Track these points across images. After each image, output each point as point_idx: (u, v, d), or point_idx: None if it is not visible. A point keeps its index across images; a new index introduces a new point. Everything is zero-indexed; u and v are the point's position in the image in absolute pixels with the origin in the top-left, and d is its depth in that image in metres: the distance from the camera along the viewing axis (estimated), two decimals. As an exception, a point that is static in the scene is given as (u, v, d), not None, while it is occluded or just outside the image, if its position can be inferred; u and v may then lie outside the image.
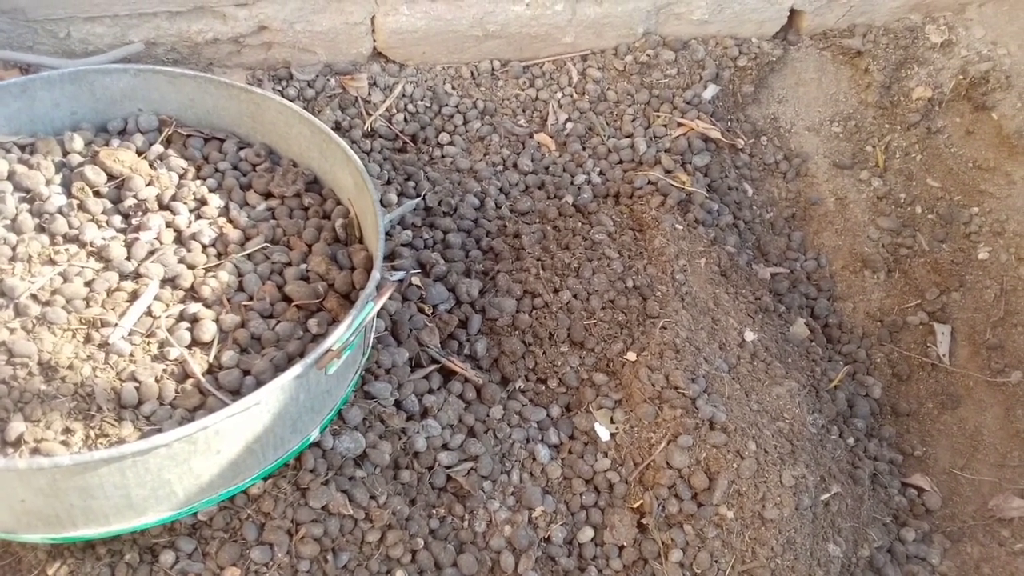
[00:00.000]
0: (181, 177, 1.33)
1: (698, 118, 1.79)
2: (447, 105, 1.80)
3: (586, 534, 1.31)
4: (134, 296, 1.14)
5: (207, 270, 1.21)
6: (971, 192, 1.89)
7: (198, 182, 1.32)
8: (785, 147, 1.92)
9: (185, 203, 1.28)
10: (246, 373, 1.09)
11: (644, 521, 1.32)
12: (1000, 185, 1.87)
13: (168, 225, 1.25)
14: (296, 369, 1.00)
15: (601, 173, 1.77)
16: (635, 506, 1.33)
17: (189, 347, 1.11)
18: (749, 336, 1.54)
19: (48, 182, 1.26)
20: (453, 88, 1.82)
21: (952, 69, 1.93)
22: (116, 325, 1.09)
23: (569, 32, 1.81)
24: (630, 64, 1.85)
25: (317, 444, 1.17)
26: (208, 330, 1.12)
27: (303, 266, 1.24)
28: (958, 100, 1.93)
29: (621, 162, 1.78)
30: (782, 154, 1.91)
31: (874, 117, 1.95)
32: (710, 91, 1.83)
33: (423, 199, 1.61)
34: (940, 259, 1.84)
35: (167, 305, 1.15)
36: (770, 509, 1.29)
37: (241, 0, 1.59)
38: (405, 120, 1.75)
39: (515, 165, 1.77)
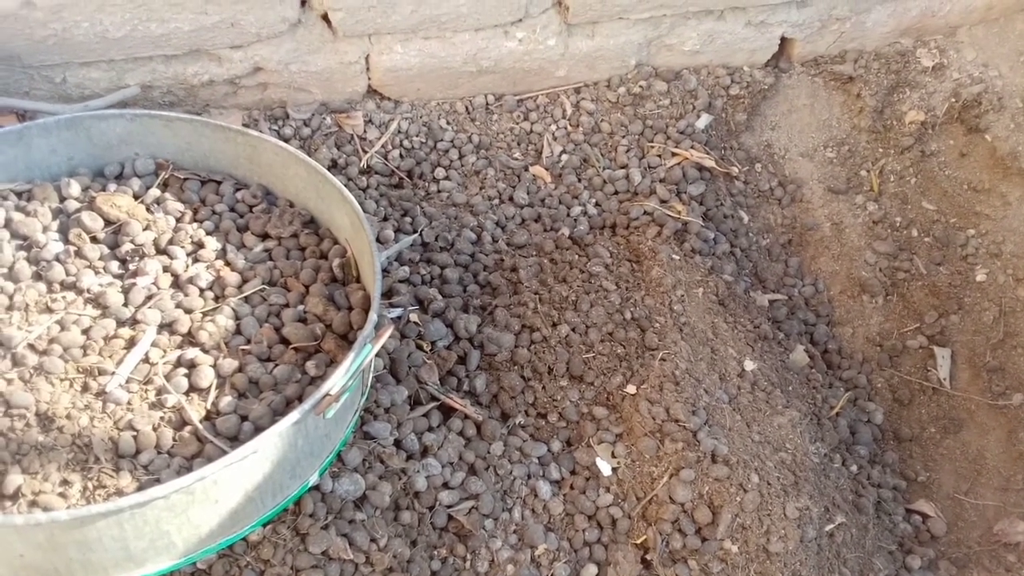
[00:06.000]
0: (178, 220, 1.33)
1: (692, 147, 1.80)
2: (442, 140, 1.80)
3: (590, 571, 1.30)
4: (131, 343, 1.14)
5: (204, 314, 1.21)
6: (967, 214, 1.89)
7: (195, 225, 1.33)
8: (779, 174, 1.93)
9: (182, 247, 1.29)
10: (244, 419, 1.09)
11: (648, 557, 1.31)
12: (996, 207, 1.87)
13: (165, 269, 1.25)
14: (294, 416, 1.00)
15: (597, 204, 1.78)
16: (639, 542, 1.32)
17: (187, 393, 1.11)
18: (749, 365, 1.54)
19: (45, 229, 1.27)
20: (448, 123, 1.83)
21: (944, 92, 1.94)
22: (113, 373, 1.09)
23: (562, 66, 1.82)
24: (623, 96, 1.86)
25: (317, 488, 1.17)
26: (206, 376, 1.12)
27: (300, 307, 1.24)
28: (951, 123, 1.94)
29: (616, 193, 1.78)
30: (777, 181, 1.92)
31: (867, 142, 1.96)
32: (703, 120, 1.84)
33: (420, 235, 1.62)
34: (938, 282, 1.84)
35: (164, 351, 1.15)
36: (775, 542, 1.29)
37: (236, 42, 1.60)
38: (401, 156, 1.76)
39: (511, 198, 1.78)
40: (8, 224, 1.25)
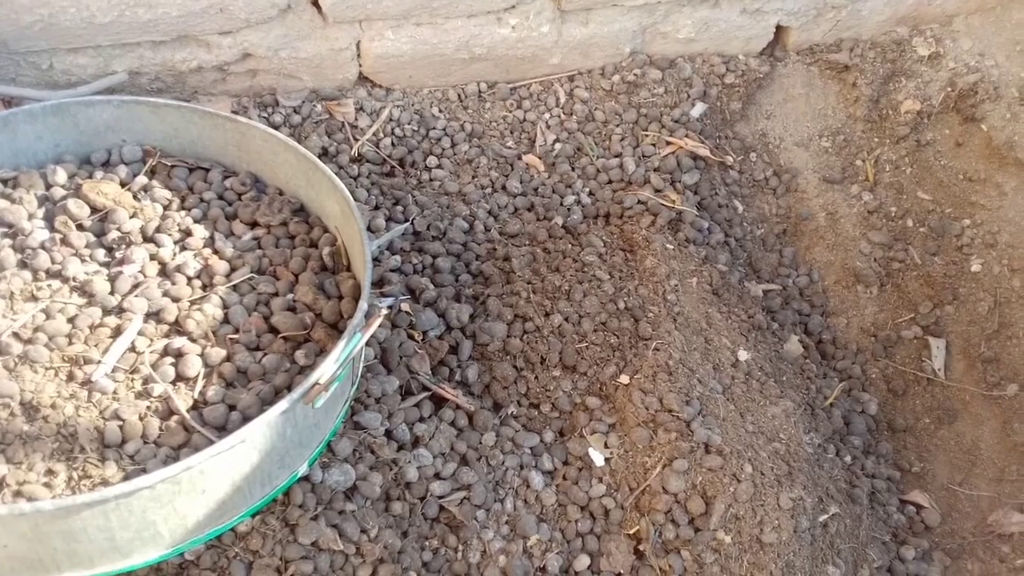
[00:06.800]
0: (165, 208, 1.31)
1: (686, 136, 1.79)
2: (434, 128, 1.79)
3: (582, 562, 1.29)
4: (117, 332, 1.13)
5: (192, 303, 1.19)
6: (962, 204, 1.88)
7: (183, 213, 1.31)
8: (774, 163, 1.92)
9: (169, 235, 1.27)
10: (232, 408, 1.07)
11: (641, 547, 1.30)
12: (991, 196, 1.86)
13: (152, 258, 1.23)
14: (282, 405, 0.99)
15: (590, 193, 1.76)
16: (632, 532, 1.31)
17: (174, 383, 1.09)
18: (743, 355, 1.53)
19: (31, 216, 1.25)
20: (440, 111, 1.82)
21: (940, 81, 1.93)
22: (99, 362, 1.08)
23: (556, 53, 1.81)
24: (617, 84, 1.85)
25: (306, 478, 1.15)
26: (193, 365, 1.10)
27: (290, 296, 1.23)
28: (947, 112, 1.93)
29: (610, 182, 1.77)
30: (772, 170, 1.90)
31: (863, 131, 1.95)
32: (698, 109, 1.83)
33: (411, 224, 1.60)
34: (933, 272, 1.84)
35: (151, 340, 1.13)
36: (768, 533, 1.28)
37: (225, 28, 1.58)
38: (392, 144, 1.74)
39: (504, 187, 1.76)
40: (-7, 211, 1.24)
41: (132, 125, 1.37)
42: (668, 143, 1.79)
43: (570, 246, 1.61)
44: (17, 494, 0.96)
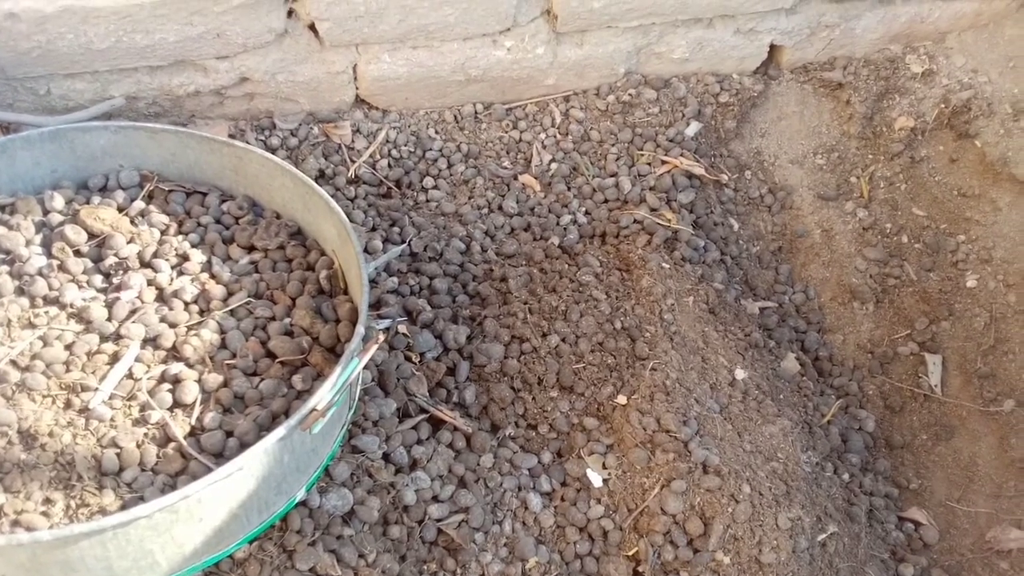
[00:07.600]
0: (163, 233, 1.32)
1: (681, 155, 1.80)
2: (431, 149, 1.80)
3: (580, 584, 1.29)
4: (115, 358, 1.13)
5: (189, 328, 1.19)
6: (957, 220, 1.89)
7: (180, 237, 1.32)
8: (769, 181, 1.92)
9: (167, 259, 1.28)
10: (229, 435, 1.07)
11: (640, 569, 1.30)
12: (986, 212, 1.87)
13: (150, 283, 1.24)
14: (279, 431, 0.99)
15: (587, 213, 1.77)
16: (630, 554, 1.31)
17: (171, 409, 1.09)
18: (740, 374, 1.53)
19: (28, 243, 1.25)
20: (436, 132, 1.82)
21: (934, 98, 1.94)
22: (97, 389, 1.08)
23: (551, 74, 1.82)
24: (612, 104, 1.86)
25: (304, 503, 1.15)
26: (190, 391, 1.11)
27: (287, 320, 1.23)
28: (941, 129, 1.94)
29: (606, 201, 1.78)
30: (767, 188, 1.91)
31: (857, 148, 1.96)
32: (693, 128, 1.84)
33: (408, 245, 1.61)
34: (928, 288, 1.84)
35: (148, 366, 1.13)
36: (767, 553, 1.28)
37: (222, 53, 1.59)
38: (389, 166, 1.75)
39: (500, 207, 1.77)
40: (-9, 238, 1.24)
41: (129, 150, 1.38)
42: (663, 162, 1.80)
43: (567, 266, 1.61)
44: (15, 523, 0.96)
